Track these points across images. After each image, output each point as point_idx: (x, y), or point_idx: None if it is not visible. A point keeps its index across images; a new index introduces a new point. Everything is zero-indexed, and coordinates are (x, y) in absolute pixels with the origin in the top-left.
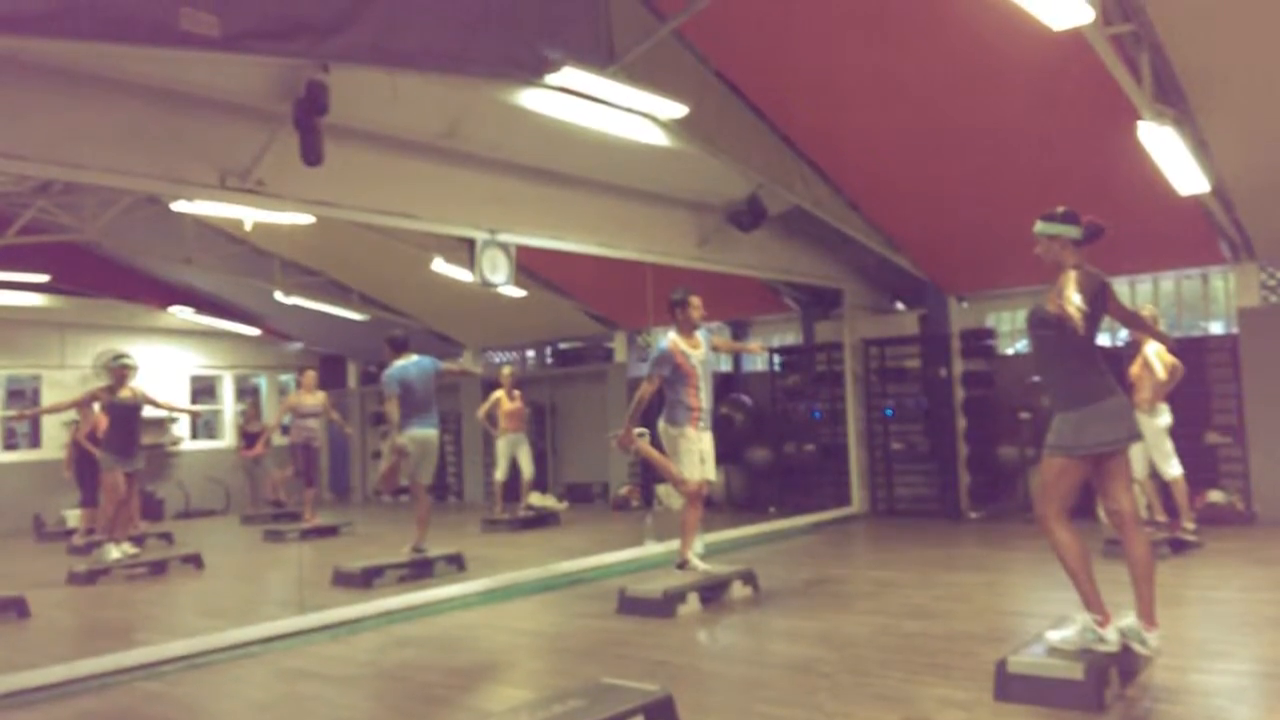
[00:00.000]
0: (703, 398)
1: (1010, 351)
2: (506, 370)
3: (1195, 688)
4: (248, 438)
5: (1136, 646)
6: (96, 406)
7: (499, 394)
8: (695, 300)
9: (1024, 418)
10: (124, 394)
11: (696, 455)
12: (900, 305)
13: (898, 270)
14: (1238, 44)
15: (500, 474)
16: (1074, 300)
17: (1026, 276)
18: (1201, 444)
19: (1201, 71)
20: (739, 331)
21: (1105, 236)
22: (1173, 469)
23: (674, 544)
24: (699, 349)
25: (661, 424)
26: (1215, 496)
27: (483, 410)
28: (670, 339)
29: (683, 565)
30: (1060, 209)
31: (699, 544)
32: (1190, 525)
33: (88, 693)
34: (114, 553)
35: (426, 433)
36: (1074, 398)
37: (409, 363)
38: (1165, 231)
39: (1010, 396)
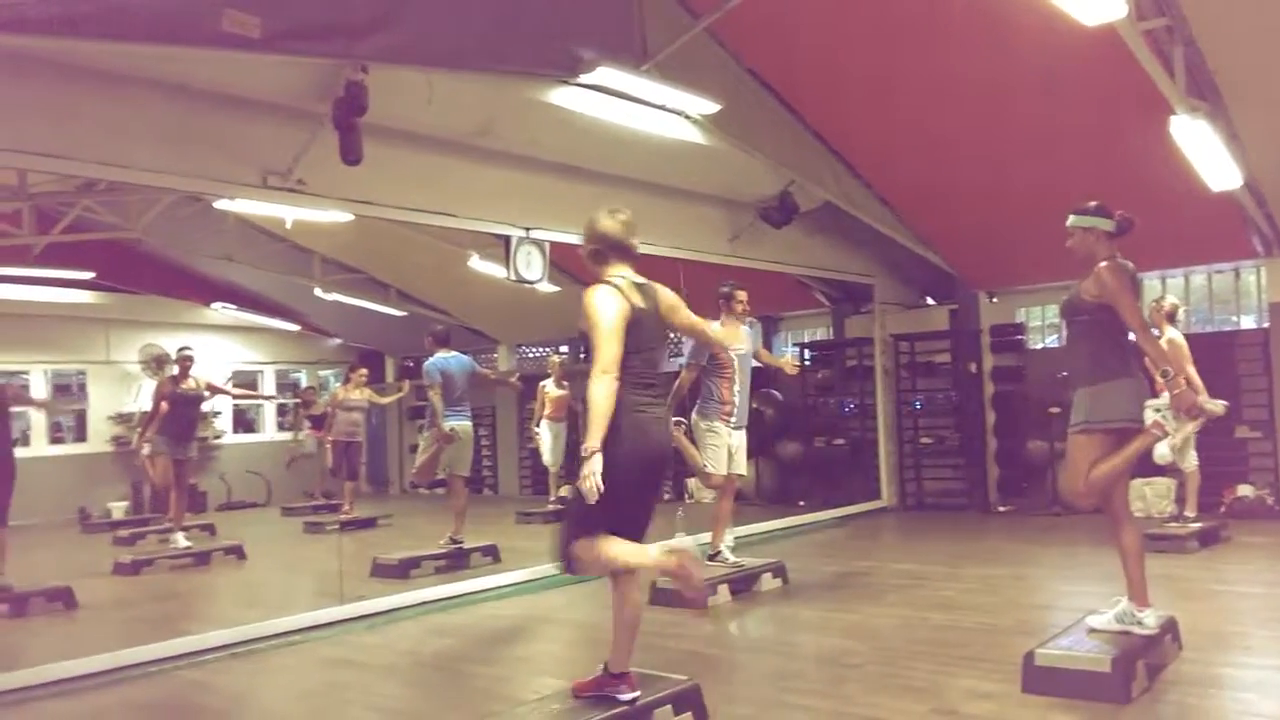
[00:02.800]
0: (736, 392)
1: (1040, 346)
2: (555, 359)
3: (1223, 681)
4: (315, 420)
5: (1134, 628)
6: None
7: (546, 383)
8: (741, 295)
9: (1054, 412)
10: (187, 385)
11: (724, 450)
12: (930, 301)
13: (928, 266)
14: (1272, 38)
15: (551, 460)
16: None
17: (1057, 272)
18: (1231, 438)
19: (1235, 66)
20: (769, 327)
21: (1137, 230)
22: (1188, 461)
23: (705, 536)
24: (741, 343)
25: (694, 416)
26: (1244, 491)
27: (538, 406)
28: (712, 329)
29: (714, 557)
30: (1093, 203)
31: (729, 537)
32: (1190, 515)
33: (133, 681)
34: (183, 540)
35: (462, 424)
36: (1096, 373)
37: (449, 356)
38: (1197, 226)
39: (1040, 391)
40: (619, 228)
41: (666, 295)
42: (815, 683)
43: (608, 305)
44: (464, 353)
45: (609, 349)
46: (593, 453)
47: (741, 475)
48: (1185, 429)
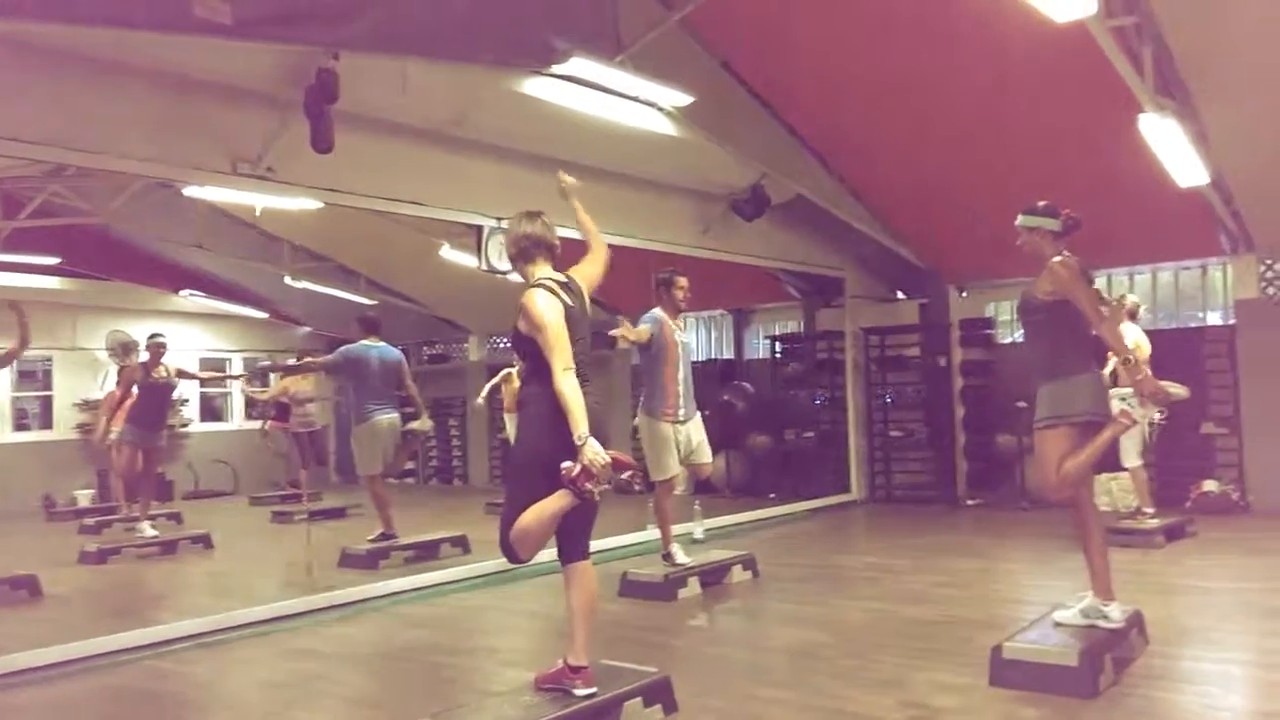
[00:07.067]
0: (680, 382)
1: (1009, 340)
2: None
3: (1188, 675)
4: (279, 410)
5: (1100, 622)
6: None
7: (511, 371)
8: (682, 281)
9: (1022, 406)
10: (158, 372)
11: (671, 450)
12: (901, 294)
13: (899, 260)
14: (1239, 35)
15: None
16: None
17: (1027, 267)
18: (1197, 434)
19: (1203, 63)
20: (740, 320)
21: (1106, 227)
22: (1130, 458)
23: (680, 527)
24: (682, 332)
25: (639, 413)
26: (1210, 486)
27: (486, 389)
28: (658, 312)
29: (667, 557)
30: (1041, 203)
31: (699, 529)
32: (1149, 511)
33: (100, 670)
34: (149, 529)
35: (387, 418)
36: (1056, 369)
37: (373, 345)
38: (1165, 223)
39: (1008, 385)
40: (542, 229)
41: (586, 282)
42: (785, 675)
43: (549, 307)
44: (441, 341)
45: (563, 348)
46: (585, 438)
47: (707, 464)
48: (1151, 414)
